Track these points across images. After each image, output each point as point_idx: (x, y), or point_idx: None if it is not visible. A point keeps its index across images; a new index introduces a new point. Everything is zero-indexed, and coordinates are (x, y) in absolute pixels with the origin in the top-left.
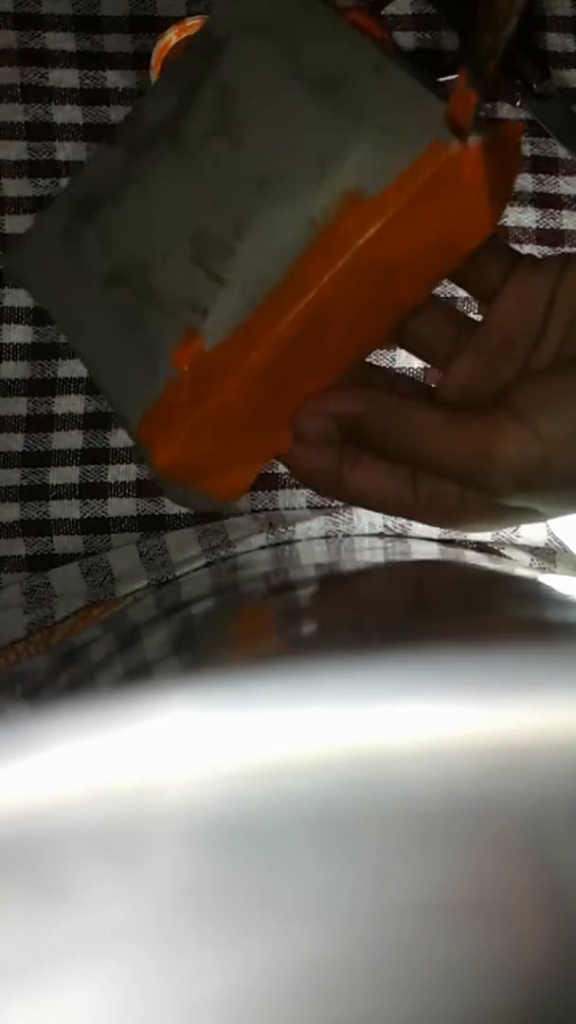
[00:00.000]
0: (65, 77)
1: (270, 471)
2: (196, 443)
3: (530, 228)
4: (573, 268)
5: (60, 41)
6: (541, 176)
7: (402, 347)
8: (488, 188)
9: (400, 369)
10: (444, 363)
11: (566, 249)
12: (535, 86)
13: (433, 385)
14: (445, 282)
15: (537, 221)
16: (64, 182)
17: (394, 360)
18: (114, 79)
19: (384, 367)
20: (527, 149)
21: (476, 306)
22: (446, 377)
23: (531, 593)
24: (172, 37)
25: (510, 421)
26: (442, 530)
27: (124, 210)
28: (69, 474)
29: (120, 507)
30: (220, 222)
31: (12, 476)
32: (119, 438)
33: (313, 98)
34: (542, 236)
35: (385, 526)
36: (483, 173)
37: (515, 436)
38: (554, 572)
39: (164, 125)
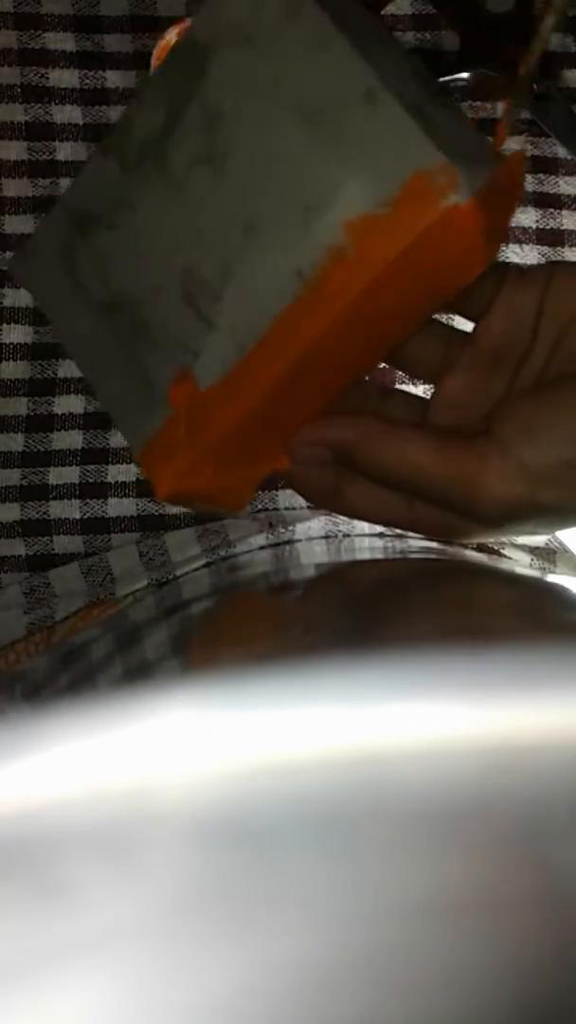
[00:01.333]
0: (65, 77)
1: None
2: (195, 474)
3: (530, 228)
4: (559, 280)
5: (60, 41)
6: (541, 176)
7: (393, 367)
8: (485, 229)
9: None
10: (436, 379)
11: (565, 249)
12: (535, 86)
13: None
14: None
15: (537, 221)
16: (64, 182)
17: None
18: (114, 79)
19: (378, 382)
20: (527, 149)
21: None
22: (438, 393)
23: (533, 589)
24: (172, 37)
25: (495, 454)
26: None
27: (116, 237)
28: (69, 474)
29: (120, 507)
30: (208, 263)
31: (12, 476)
32: (119, 438)
33: (300, 130)
34: (542, 236)
35: None
36: (480, 218)
37: (499, 470)
38: (554, 572)
39: (152, 142)
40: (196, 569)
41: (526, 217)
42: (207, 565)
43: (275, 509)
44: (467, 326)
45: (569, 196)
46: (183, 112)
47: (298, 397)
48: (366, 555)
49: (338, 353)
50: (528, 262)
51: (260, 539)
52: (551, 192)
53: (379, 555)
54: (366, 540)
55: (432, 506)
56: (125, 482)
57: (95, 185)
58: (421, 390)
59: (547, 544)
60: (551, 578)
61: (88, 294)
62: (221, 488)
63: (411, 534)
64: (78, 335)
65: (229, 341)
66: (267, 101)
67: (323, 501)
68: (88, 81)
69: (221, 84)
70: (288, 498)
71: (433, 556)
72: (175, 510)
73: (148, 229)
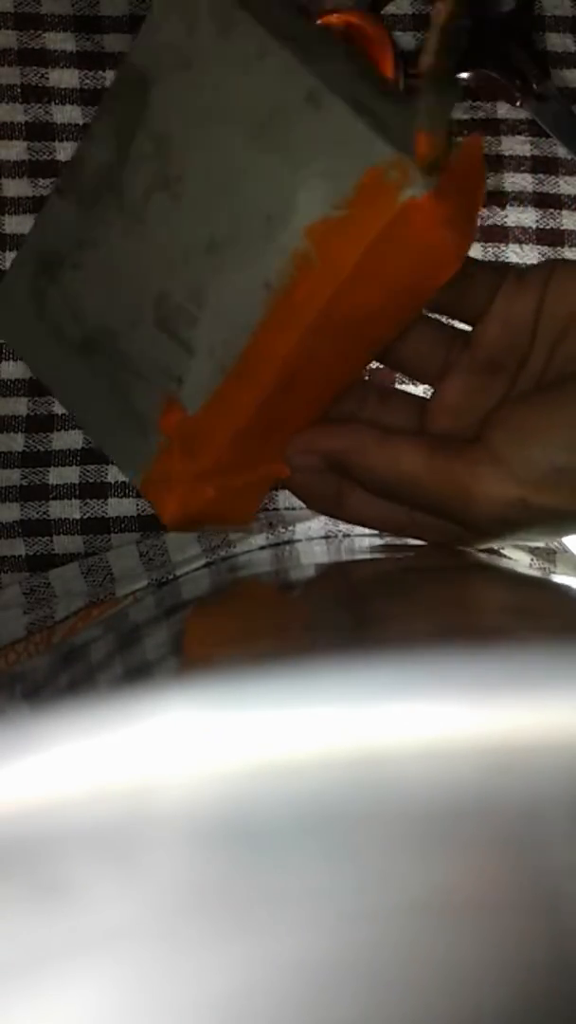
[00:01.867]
0: (65, 77)
1: None
2: (197, 499)
3: (530, 228)
4: (557, 280)
5: (60, 41)
6: (541, 176)
7: (392, 368)
8: (450, 220)
9: None
10: (436, 381)
11: (565, 249)
12: (535, 86)
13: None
14: None
15: (537, 221)
16: None
17: None
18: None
19: (379, 382)
20: (527, 149)
21: None
22: (436, 398)
23: (533, 587)
24: None
25: (486, 463)
26: None
27: (84, 275)
28: (69, 474)
29: (120, 507)
30: (178, 288)
31: (12, 476)
32: None
33: (249, 142)
34: (542, 236)
35: None
36: (442, 209)
37: (491, 478)
38: (554, 572)
39: (105, 176)
40: (196, 569)
41: (526, 217)
42: (207, 565)
43: (275, 509)
44: (466, 330)
45: (569, 196)
46: (132, 142)
47: (290, 407)
48: (366, 555)
49: (322, 360)
50: (528, 262)
51: (260, 539)
52: (551, 192)
53: (379, 555)
54: (366, 540)
55: (430, 515)
56: (125, 482)
57: (56, 226)
58: (422, 389)
59: (547, 544)
60: (550, 578)
61: (64, 335)
62: (225, 507)
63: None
64: (60, 377)
65: (210, 363)
66: (213, 120)
67: (325, 508)
68: (88, 81)
69: (165, 109)
70: (288, 498)
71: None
72: None
73: (114, 263)
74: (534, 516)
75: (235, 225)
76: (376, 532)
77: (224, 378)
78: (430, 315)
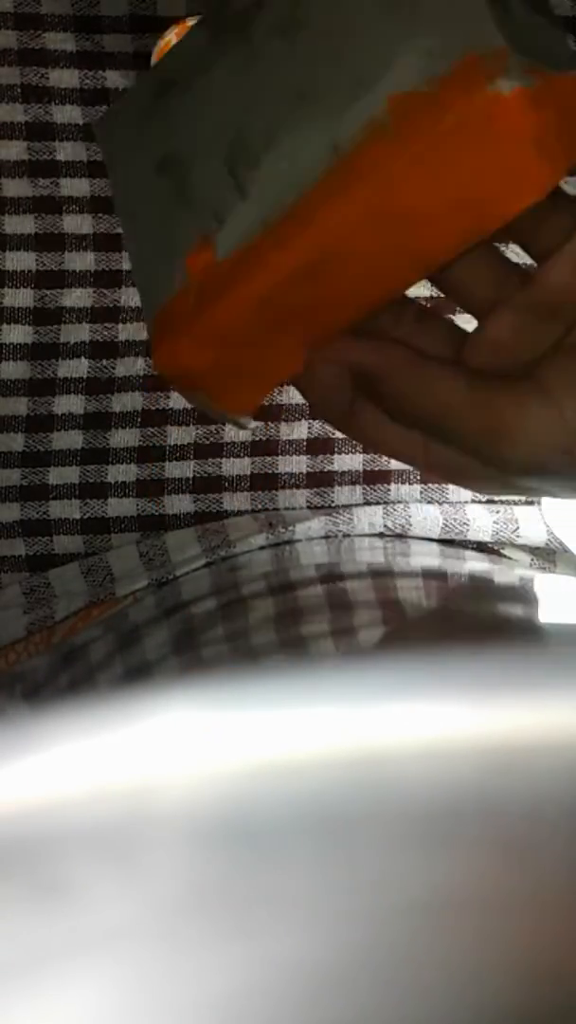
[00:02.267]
0: (65, 77)
1: (270, 472)
2: (197, 352)
3: None
4: None
5: (60, 41)
6: None
7: (439, 289)
8: (545, 141)
9: None
10: (483, 314)
11: None
12: None
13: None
14: None
15: None
16: (65, 182)
17: None
18: (114, 79)
19: (419, 302)
20: None
21: None
22: (481, 331)
23: (525, 597)
24: (172, 37)
25: (535, 400)
26: (442, 530)
27: (187, 98)
28: (69, 474)
29: (120, 507)
30: (256, 129)
31: (12, 476)
32: (119, 438)
33: (375, 3)
34: None
35: (385, 526)
36: (531, 121)
37: (538, 417)
38: (554, 572)
39: (243, 13)
40: (196, 569)
41: None
42: (207, 565)
43: (275, 509)
44: (525, 267)
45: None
46: None
47: (319, 298)
48: (366, 555)
49: (366, 253)
50: (529, 262)
51: (260, 539)
52: None
53: (379, 555)
54: (366, 540)
55: (451, 448)
56: (125, 482)
57: (185, 53)
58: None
59: (547, 544)
60: (551, 578)
61: (148, 153)
62: (225, 379)
63: (410, 535)
64: (129, 193)
65: (255, 211)
66: None
67: (331, 419)
68: (88, 81)
69: None
70: (288, 498)
71: (434, 560)
72: (175, 510)
73: (214, 93)
74: (571, 466)
75: (329, 79)
76: (376, 532)
77: (263, 230)
78: (492, 242)
